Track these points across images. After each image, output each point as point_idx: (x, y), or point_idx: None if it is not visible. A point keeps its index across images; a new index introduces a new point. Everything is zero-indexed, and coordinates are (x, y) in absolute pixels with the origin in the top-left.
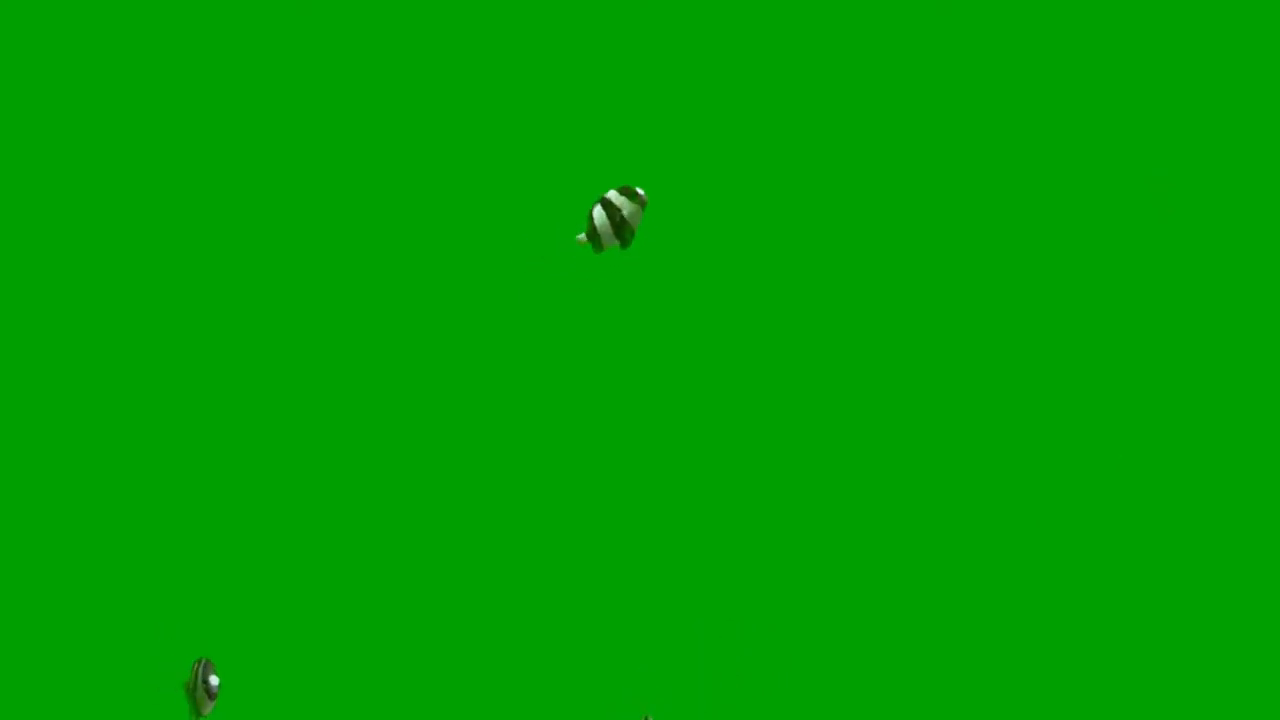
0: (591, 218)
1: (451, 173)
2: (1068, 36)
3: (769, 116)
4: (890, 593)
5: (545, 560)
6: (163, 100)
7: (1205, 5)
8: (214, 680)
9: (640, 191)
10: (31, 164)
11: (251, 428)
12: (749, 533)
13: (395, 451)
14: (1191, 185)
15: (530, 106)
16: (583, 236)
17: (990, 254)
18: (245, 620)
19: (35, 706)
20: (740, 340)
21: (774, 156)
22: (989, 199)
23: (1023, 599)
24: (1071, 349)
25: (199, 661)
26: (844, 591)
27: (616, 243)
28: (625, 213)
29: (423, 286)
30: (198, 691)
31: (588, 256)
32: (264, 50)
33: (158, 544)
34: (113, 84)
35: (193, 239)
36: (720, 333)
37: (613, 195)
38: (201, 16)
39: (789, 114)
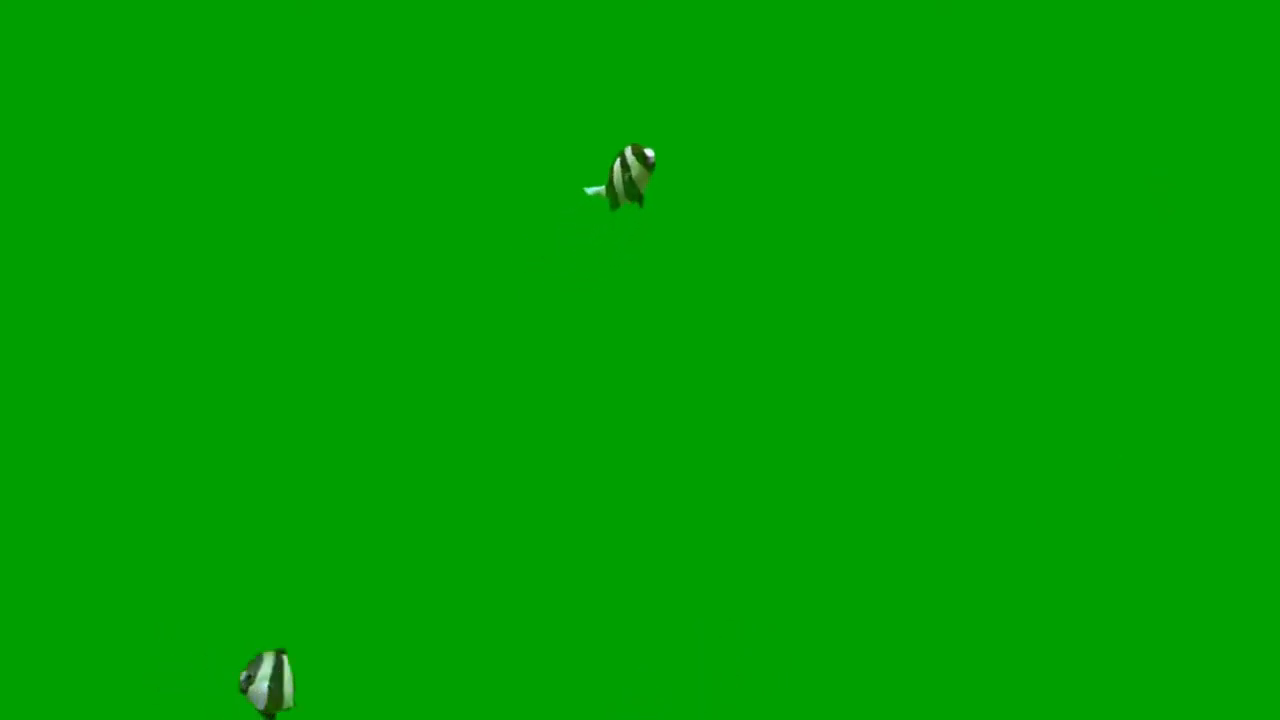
0: (612, 172)
1: (452, 163)
2: (1069, 36)
3: (775, 107)
4: (891, 592)
5: (543, 550)
6: (162, 100)
7: (1206, 5)
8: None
9: (649, 154)
10: (31, 164)
11: (247, 421)
12: (748, 528)
13: (394, 442)
14: (1191, 186)
15: (532, 96)
16: (600, 190)
17: (994, 246)
18: (244, 619)
19: (35, 706)
20: (740, 335)
21: (781, 148)
22: (993, 189)
23: (1022, 599)
24: (1072, 348)
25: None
26: (846, 590)
27: (633, 202)
28: (634, 173)
29: (422, 278)
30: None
31: (589, 252)
32: (262, 41)
33: (157, 543)
34: (113, 84)
35: (194, 238)
36: (719, 328)
37: (628, 152)
38: (201, 17)
39: (795, 105)
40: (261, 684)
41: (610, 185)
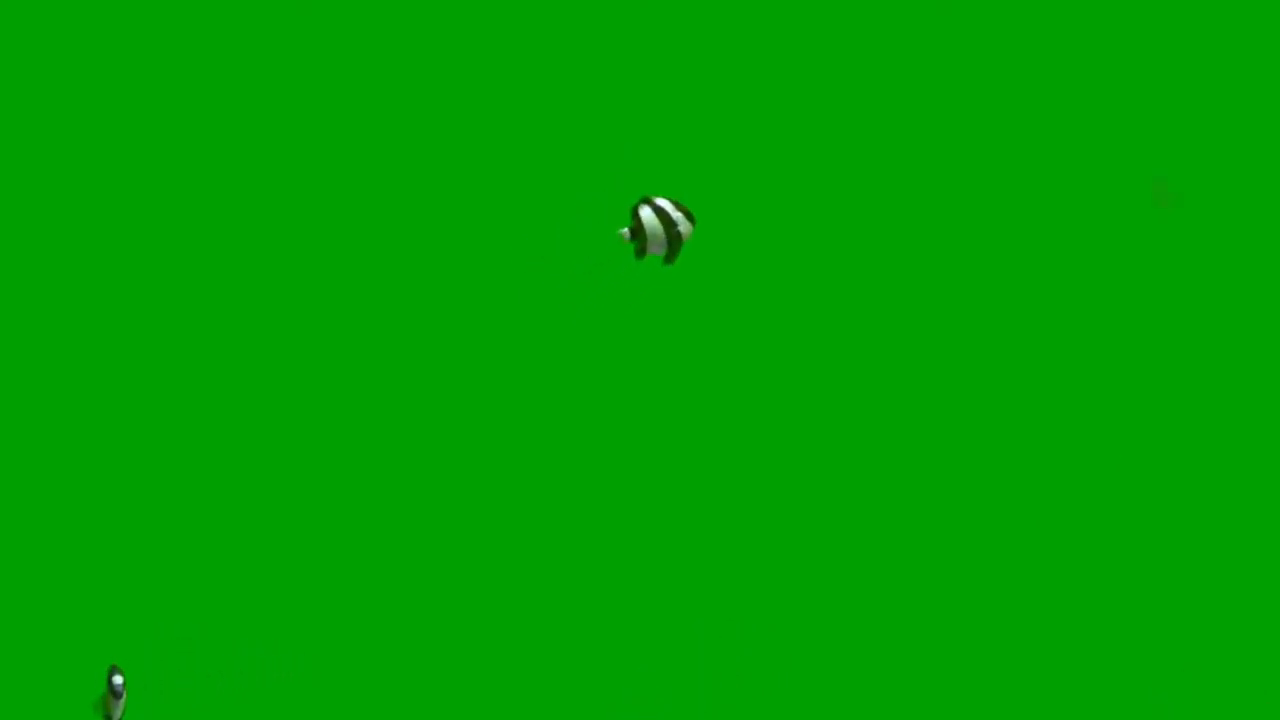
0: (639, 217)
1: (468, 174)
2: (1073, 39)
3: (784, 123)
4: (896, 599)
5: (547, 568)
6: (163, 101)
7: (1206, 5)
8: (118, 680)
9: (690, 213)
10: (31, 164)
11: (262, 429)
12: (752, 540)
13: (401, 455)
14: (1193, 186)
15: (551, 107)
16: (626, 232)
17: (1009, 260)
18: (244, 622)
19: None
20: (741, 346)
21: (787, 161)
22: (1007, 206)
23: (1024, 602)
24: (1077, 354)
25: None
26: (851, 596)
27: (661, 252)
28: (681, 228)
29: (434, 291)
30: (108, 697)
31: (588, 261)
32: (291, 55)
33: (148, 543)
34: (113, 84)
35: (204, 240)
36: (721, 338)
37: (665, 203)
38: (202, 17)
39: (802, 121)
40: (120, 701)
41: (639, 229)
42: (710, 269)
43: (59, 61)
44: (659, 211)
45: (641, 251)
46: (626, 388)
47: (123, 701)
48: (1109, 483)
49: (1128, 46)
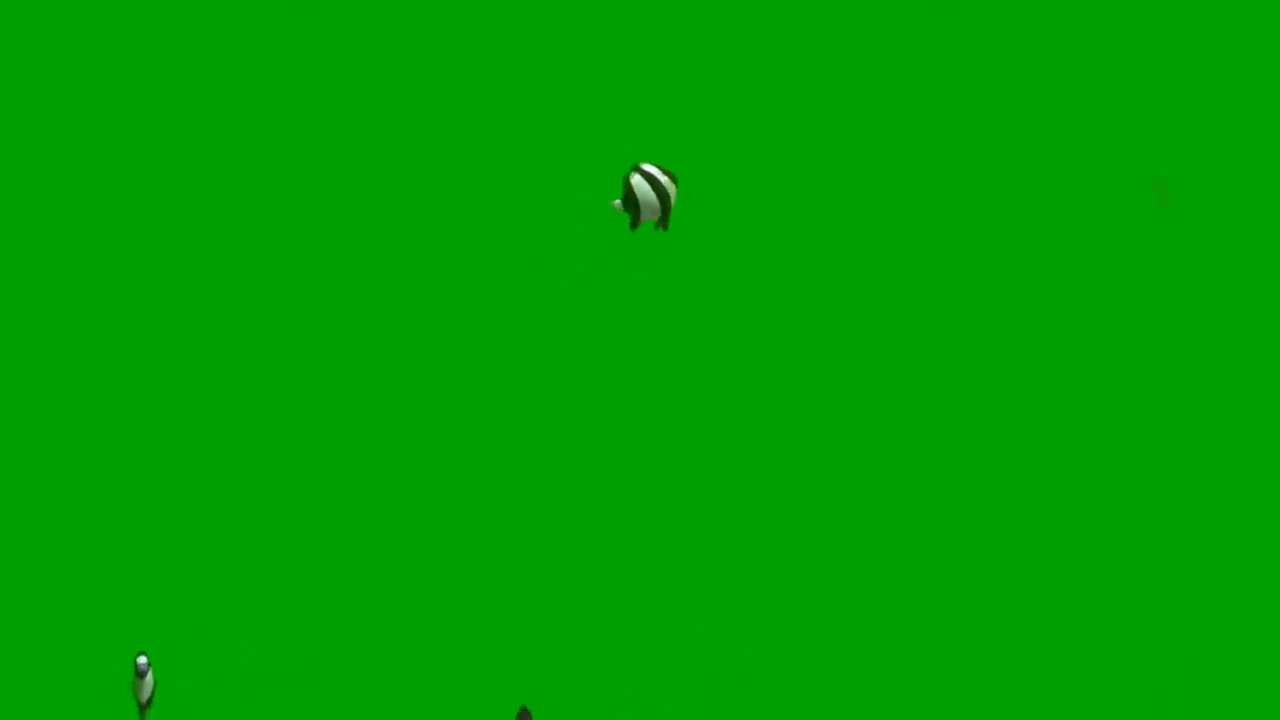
0: (630, 185)
1: (463, 169)
2: (1074, 37)
3: (778, 116)
4: (897, 597)
5: (545, 559)
6: (165, 101)
7: (1206, 5)
8: (142, 660)
9: (671, 172)
10: (31, 164)
11: (260, 423)
12: (752, 535)
13: (401, 447)
14: (1193, 186)
15: (542, 101)
16: (618, 203)
17: (1007, 254)
18: (245, 620)
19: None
20: (739, 342)
21: (783, 155)
22: (1005, 200)
23: (1023, 600)
24: (1074, 346)
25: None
26: (847, 582)
27: (655, 217)
28: (669, 190)
29: (430, 285)
30: (135, 683)
31: (590, 252)
32: (273, 47)
33: (146, 541)
34: (113, 84)
35: (214, 239)
36: (717, 334)
37: (649, 167)
38: (204, 17)
39: (799, 114)
40: (148, 685)
41: (630, 197)
42: (706, 257)
43: (59, 62)
44: (649, 178)
45: (635, 222)
46: (622, 370)
47: (148, 681)
48: (1102, 475)
49: (1127, 46)
